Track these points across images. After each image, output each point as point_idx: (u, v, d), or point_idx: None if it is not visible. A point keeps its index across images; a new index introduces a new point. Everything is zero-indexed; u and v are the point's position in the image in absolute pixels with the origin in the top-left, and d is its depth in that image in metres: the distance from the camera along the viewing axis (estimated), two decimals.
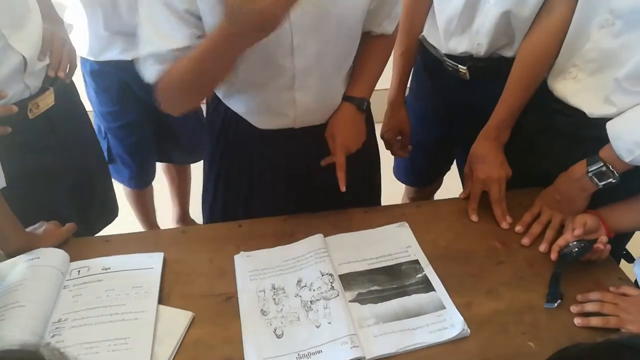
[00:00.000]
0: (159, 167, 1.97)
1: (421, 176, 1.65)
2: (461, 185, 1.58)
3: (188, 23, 0.86)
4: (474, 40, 1.19)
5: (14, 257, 0.95)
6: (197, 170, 1.77)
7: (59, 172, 1.22)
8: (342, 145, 1.04)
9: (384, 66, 1.13)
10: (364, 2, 0.94)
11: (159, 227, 2.20)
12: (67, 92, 1.24)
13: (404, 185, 1.72)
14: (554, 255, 0.98)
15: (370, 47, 1.07)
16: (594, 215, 1.01)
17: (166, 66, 0.86)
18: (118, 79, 1.51)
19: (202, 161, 1.31)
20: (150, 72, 0.89)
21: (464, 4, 1.15)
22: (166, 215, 2.22)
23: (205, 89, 0.95)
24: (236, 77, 0.98)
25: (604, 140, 0.98)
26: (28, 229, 1.00)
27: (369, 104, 1.11)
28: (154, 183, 1.94)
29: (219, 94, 1.10)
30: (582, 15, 1.02)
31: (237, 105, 1.08)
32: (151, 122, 1.67)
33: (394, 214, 1.10)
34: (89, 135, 1.42)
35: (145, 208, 2.04)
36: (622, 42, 0.95)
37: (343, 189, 1.01)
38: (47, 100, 1.14)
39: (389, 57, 1.16)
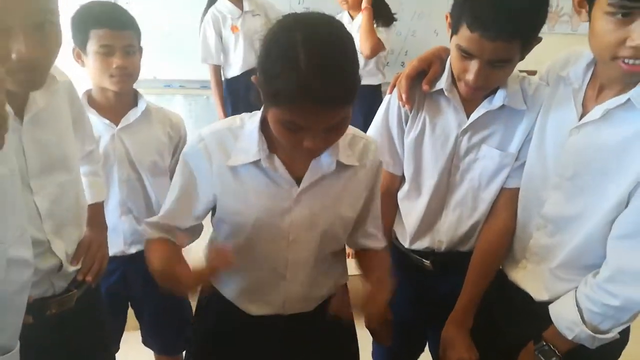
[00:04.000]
0: None
1: (397, 358, 1.73)
2: None
3: (199, 215, 1.11)
4: (435, 238, 1.42)
5: None
6: None
7: None
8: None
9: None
10: (348, 216, 1.15)
11: None
12: (90, 295, 1.25)
13: None
14: None
15: (379, 261, 1.23)
16: None
17: (163, 236, 1.08)
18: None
19: None
20: (150, 233, 1.09)
21: (424, 211, 1.39)
22: None
23: None
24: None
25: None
26: None
27: None
28: None
29: None
30: (523, 217, 1.26)
31: (228, 289, 1.18)
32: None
33: None
34: (101, 340, 1.37)
35: None
36: (555, 241, 1.16)
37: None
38: (69, 302, 1.16)
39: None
